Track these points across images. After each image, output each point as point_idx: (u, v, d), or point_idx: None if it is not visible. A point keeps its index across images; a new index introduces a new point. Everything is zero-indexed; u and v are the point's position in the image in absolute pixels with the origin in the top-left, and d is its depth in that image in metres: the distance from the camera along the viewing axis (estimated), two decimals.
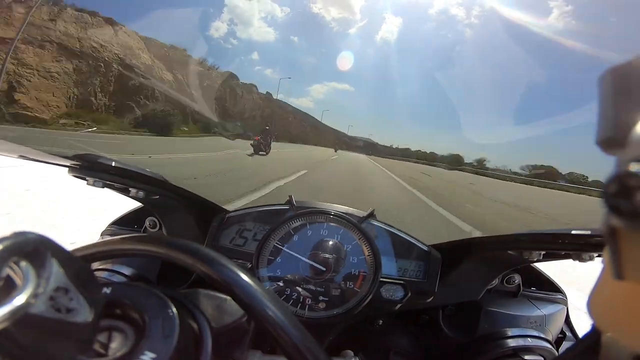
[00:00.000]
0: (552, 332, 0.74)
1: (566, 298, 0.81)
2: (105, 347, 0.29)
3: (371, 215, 0.74)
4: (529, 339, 0.68)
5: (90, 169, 0.63)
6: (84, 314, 0.26)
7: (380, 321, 0.75)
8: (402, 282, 0.70)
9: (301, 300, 0.68)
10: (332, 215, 0.71)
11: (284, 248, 0.70)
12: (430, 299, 0.71)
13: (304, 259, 0.69)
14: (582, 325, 0.63)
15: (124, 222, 0.87)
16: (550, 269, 0.80)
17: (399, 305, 0.70)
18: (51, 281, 0.23)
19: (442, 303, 0.75)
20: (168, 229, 0.77)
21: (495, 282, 0.76)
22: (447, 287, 0.72)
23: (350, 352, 0.64)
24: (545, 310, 0.74)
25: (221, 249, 0.73)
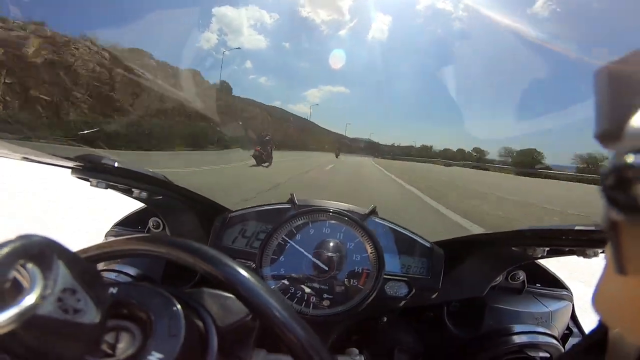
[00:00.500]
0: (558, 329, 0.73)
1: (571, 294, 0.80)
2: (113, 347, 0.29)
3: (373, 212, 0.74)
4: (534, 335, 0.68)
5: (93, 170, 0.63)
6: (91, 315, 0.26)
7: (385, 318, 0.75)
8: (405, 279, 0.70)
9: (305, 298, 0.68)
10: (334, 213, 0.71)
11: (286, 247, 0.70)
12: (434, 296, 0.71)
13: (307, 257, 0.69)
14: (588, 320, 0.62)
15: (127, 223, 0.87)
16: (561, 260, 0.78)
17: (402, 302, 0.70)
18: (58, 282, 0.24)
19: (446, 300, 0.75)
20: (171, 229, 0.77)
21: (500, 278, 0.76)
22: (451, 283, 0.71)
23: (355, 350, 0.64)
24: (551, 306, 0.74)
25: (224, 248, 0.73)
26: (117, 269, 0.69)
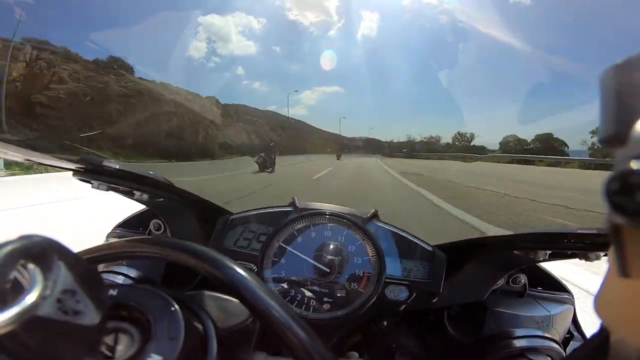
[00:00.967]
0: (559, 332, 0.73)
1: (573, 298, 0.80)
2: (112, 349, 0.29)
3: (375, 216, 0.74)
4: (535, 339, 0.68)
5: (94, 172, 0.63)
6: (91, 316, 0.26)
7: (385, 322, 0.75)
8: (406, 282, 0.70)
9: (306, 301, 0.67)
10: (335, 216, 0.71)
11: (287, 249, 0.70)
12: (435, 300, 0.71)
13: (308, 260, 0.69)
14: (589, 322, 0.62)
15: (128, 225, 0.87)
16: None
17: (403, 306, 0.70)
18: (58, 283, 0.24)
19: (447, 303, 0.74)
20: (172, 231, 0.77)
21: (501, 282, 0.75)
22: (452, 287, 0.71)
23: (356, 354, 0.64)
24: (552, 310, 0.74)
25: (225, 250, 0.73)
26: (117, 270, 0.69)
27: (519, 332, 0.69)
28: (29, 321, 0.21)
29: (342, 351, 0.68)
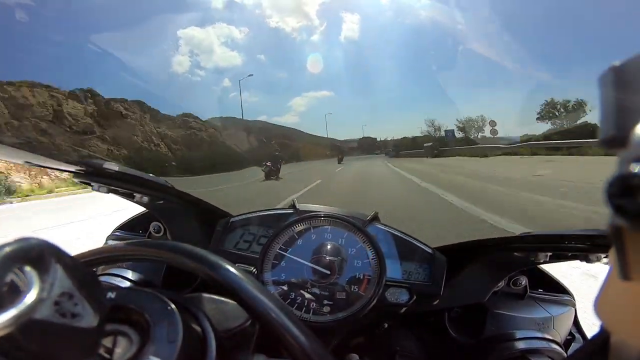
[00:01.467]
0: (560, 334, 0.73)
1: (574, 299, 0.80)
2: (110, 351, 0.29)
3: (375, 218, 0.74)
4: (536, 341, 0.67)
5: (94, 174, 0.64)
6: (89, 319, 0.26)
7: (386, 324, 0.75)
8: (407, 285, 0.70)
9: (306, 304, 0.67)
10: (336, 218, 0.71)
11: (288, 252, 0.70)
12: (435, 302, 0.70)
13: (308, 263, 0.69)
14: (590, 323, 0.62)
15: (128, 227, 0.87)
16: None
17: (404, 309, 0.70)
18: (55, 286, 0.24)
19: (448, 306, 0.74)
20: (172, 233, 0.77)
21: (502, 284, 0.75)
22: (452, 289, 0.71)
23: (356, 356, 0.63)
24: (553, 311, 0.74)
25: (225, 253, 0.73)
26: (116, 273, 0.69)
27: (519, 333, 0.68)
28: (26, 324, 0.21)
29: (342, 353, 0.67)
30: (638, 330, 0.20)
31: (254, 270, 0.69)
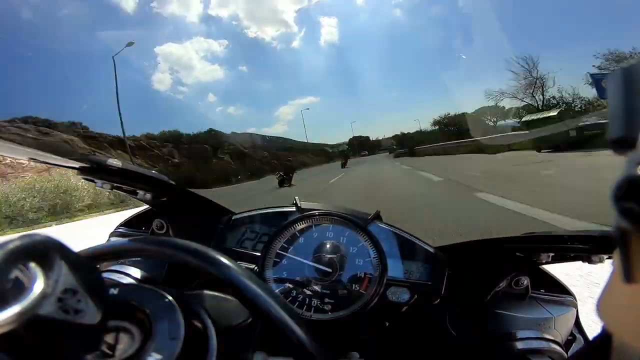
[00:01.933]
0: (562, 335, 0.72)
1: (576, 300, 0.79)
2: (112, 348, 0.29)
3: (377, 217, 0.73)
4: (537, 341, 0.67)
5: (98, 171, 0.64)
6: (92, 315, 0.26)
7: (387, 323, 0.75)
8: (408, 284, 0.70)
9: (307, 302, 0.67)
10: (337, 216, 0.71)
11: (289, 250, 0.70)
12: (436, 301, 0.70)
13: (309, 261, 0.69)
14: (592, 325, 0.62)
15: (131, 224, 0.88)
16: None
17: (405, 308, 0.70)
18: (59, 283, 0.24)
19: (449, 305, 0.74)
20: (175, 230, 0.78)
21: (503, 284, 0.75)
22: (454, 289, 0.71)
23: (356, 354, 0.63)
24: (555, 312, 0.73)
25: (227, 251, 0.73)
26: (119, 269, 0.70)
27: (521, 334, 0.68)
28: (30, 320, 0.21)
29: (342, 351, 0.68)
30: None
31: (256, 268, 0.69)
